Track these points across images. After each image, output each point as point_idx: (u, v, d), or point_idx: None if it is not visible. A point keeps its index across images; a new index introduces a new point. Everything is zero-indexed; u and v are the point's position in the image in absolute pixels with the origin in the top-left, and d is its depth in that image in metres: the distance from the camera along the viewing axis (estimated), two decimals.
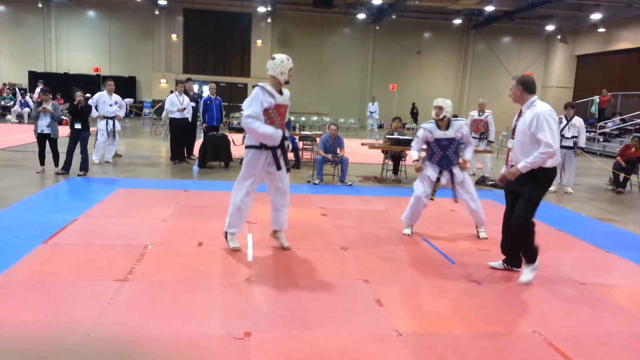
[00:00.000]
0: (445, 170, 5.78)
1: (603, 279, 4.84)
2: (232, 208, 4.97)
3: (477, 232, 6.04)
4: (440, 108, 5.80)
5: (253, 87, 4.82)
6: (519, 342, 3.44)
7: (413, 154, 5.89)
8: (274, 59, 4.81)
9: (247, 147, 4.86)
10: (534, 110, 4.32)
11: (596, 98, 19.63)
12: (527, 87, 4.43)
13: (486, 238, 5.89)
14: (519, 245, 4.52)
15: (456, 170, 5.78)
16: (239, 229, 5.04)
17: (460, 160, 5.86)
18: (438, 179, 5.75)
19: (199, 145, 10.45)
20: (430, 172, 5.77)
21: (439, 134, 5.76)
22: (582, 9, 21.84)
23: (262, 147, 4.77)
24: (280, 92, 4.83)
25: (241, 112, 5.33)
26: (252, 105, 4.63)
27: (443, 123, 5.81)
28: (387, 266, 4.81)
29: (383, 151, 10.27)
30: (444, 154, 5.76)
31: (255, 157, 4.79)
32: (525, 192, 4.33)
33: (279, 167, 4.84)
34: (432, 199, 5.83)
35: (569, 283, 4.57)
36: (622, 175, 10.09)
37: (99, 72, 21.48)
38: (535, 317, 3.84)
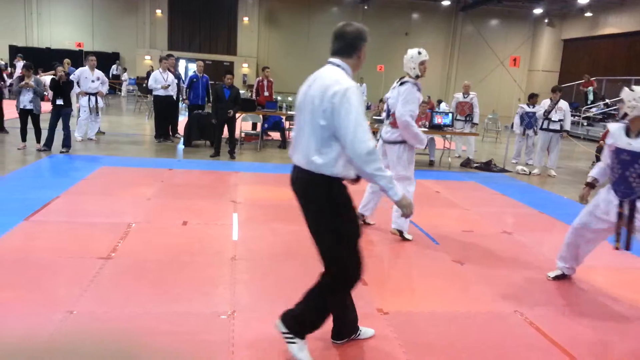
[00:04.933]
0: None
1: (585, 261, 4.92)
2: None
3: None
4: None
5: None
6: (500, 321, 3.50)
7: None
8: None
9: (396, 142, 4.87)
10: None
11: (590, 89, 19.74)
12: None
13: None
14: None
15: None
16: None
17: None
18: None
19: (184, 124, 10.34)
20: None
21: None
22: None
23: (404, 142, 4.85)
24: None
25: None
26: (412, 103, 4.67)
27: None
28: (372, 246, 4.83)
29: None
30: None
31: (412, 151, 4.92)
32: None
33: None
34: None
35: (551, 264, 4.63)
36: None
37: (81, 47, 21.03)
38: (517, 297, 3.90)
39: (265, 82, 11.55)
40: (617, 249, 3.87)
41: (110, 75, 23.34)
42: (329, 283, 2.69)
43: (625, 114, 3.65)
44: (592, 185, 4.07)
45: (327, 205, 2.57)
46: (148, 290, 3.57)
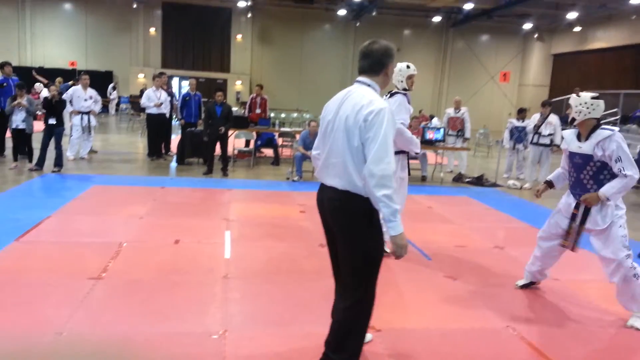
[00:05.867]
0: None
1: (575, 274, 4.93)
2: None
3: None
4: None
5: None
6: (492, 336, 3.50)
7: None
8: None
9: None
10: None
11: None
12: None
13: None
14: None
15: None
16: None
17: None
18: None
19: (177, 142, 10.35)
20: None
21: None
22: (559, 7, 22.17)
23: (399, 152, 4.84)
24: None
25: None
26: (403, 112, 4.74)
27: None
28: None
29: None
30: None
31: (399, 162, 4.90)
32: None
33: (409, 172, 5.05)
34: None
35: (543, 279, 4.64)
36: None
37: (74, 66, 21.11)
38: (509, 312, 3.90)
39: (258, 100, 11.61)
40: (563, 246, 4.04)
41: (108, 95, 23.36)
42: (356, 318, 2.66)
43: (573, 119, 3.80)
44: (550, 184, 4.24)
45: (366, 227, 2.54)
46: (139, 310, 3.55)
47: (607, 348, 3.45)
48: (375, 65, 2.62)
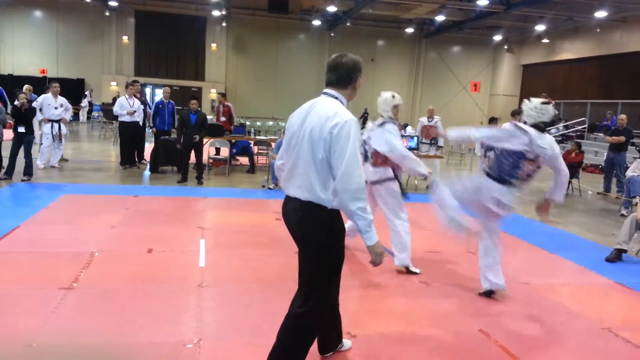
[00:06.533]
0: None
1: (546, 278, 5.05)
2: (408, 244, 4.93)
3: None
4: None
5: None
6: (466, 340, 3.55)
7: None
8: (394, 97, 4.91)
9: (385, 180, 4.86)
10: None
11: None
12: None
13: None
14: None
15: None
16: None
17: None
18: None
19: (150, 150, 10.24)
20: None
21: None
22: (528, 20, 22.78)
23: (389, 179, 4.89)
24: None
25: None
26: (399, 138, 4.78)
27: None
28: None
29: None
30: None
31: (397, 187, 4.93)
32: None
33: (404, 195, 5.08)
34: None
35: (514, 283, 4.74)
36: None
37: (45, 73, 20.68)
38: (482, 316, 3.97)
39: (221, 108, 11.58)
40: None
41: (84, 103, 22.97)
42: (307, 324, 2.66)
43: (525, 122, 4.05)
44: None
45: (327, 238, 2.57)
46: (111, 320, 3.49)
47: (577, 350, 3.54)
48: (343, 78, 2.63)
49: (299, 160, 2.57)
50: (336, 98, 2.62)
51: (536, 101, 4.02)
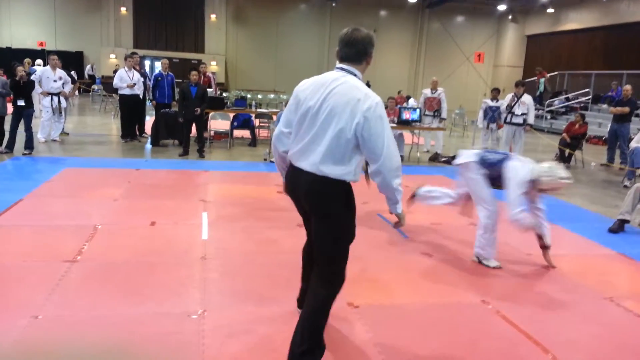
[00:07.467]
0: None
1: None
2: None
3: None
4: None
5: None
6: (468, 311, 3.58)
7: None
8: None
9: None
10: None
11: (542, 80, 20.09)
12: None
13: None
14: None
15: None
16: None
17: None
18: None
19: (151, 123, 10.18)
20: None
21: None
22: None
23: None
24: None
25: None
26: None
27: None
28: None
29: None
30: None
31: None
32: None
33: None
34: None
35: (517, 254, 4.76)
36: (567, 151, 10.54)
37: (43, 46, 20.47)
38: (484, 287, 3.99)
39: (202, 79, 11.38)
40: None
41: (86, 76, 22.78)
42: (328, 295, 2.68)
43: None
44: None
45: (343, 210, 2.60)
46: (115, 292, 3.51)
47: (579, 319, 3.56)
48: (358, 54, 2.59)
49: (320, 137, 2.52)
50: (355, 75, 2.59)
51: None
